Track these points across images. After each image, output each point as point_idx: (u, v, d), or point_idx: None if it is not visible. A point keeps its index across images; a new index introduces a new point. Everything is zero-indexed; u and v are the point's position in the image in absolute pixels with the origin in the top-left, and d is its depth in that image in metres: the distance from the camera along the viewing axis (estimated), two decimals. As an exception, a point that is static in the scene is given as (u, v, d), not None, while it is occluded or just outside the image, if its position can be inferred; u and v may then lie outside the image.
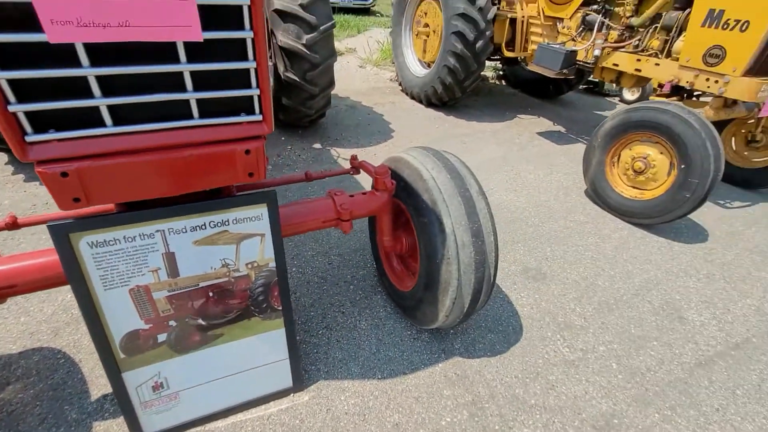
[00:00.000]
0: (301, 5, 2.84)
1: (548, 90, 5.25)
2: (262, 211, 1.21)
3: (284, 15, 2.86)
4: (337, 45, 6.63)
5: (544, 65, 3.70)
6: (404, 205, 1.58)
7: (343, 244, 2.37)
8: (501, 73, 5.97)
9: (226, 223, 1.17)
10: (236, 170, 1.09)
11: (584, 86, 5.77)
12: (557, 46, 3.57)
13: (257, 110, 1.05)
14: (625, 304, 2.15)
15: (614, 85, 3.56)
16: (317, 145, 3.57)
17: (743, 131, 3.38)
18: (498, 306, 2.05)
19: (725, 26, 2.58)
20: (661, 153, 2.61)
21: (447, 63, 4.06)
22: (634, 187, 2.83)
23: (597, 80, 5.49)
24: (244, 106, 1.04)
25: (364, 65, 5.91)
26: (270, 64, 3.84)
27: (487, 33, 3.89)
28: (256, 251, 1.25)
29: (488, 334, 1.88)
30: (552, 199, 3.07)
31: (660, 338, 1.97)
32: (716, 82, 2.69)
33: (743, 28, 2.50)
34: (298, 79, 3.06)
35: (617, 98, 5.67)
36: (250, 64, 0.97)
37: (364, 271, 2.18)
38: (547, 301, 2.12)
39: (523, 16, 4.08)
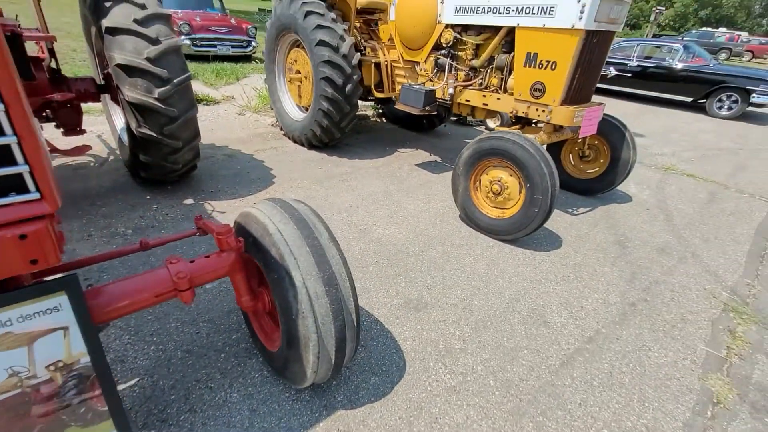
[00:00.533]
0: (148, 59, 2.67)
1: (423, 124, 5.69)
2: (60, 300, 1.02)
3: (129, 70, 2.66)
4: (214, 93, 6.43)
5: (408, 104, 4.00)
6: (257, 262, 1.50)
7: (215, 307, 2.18)
8: (380, 111, 6.32)
9: (8, 323, 0.97)
10: (10, 259, 0.91)
11: (454, 118, 6.37)
12: (418, 86, 3.90)
13: (32, 188, 0.91)
14: (499, 319, 2.30)
15: (471, 117, 3.98)
16: (189, 201, 3.31)
17: (576, 149, 4.01)
18: (381, 345, 2.03)
19: (540, 66, 3.07)
20: (511, 175, 2.94)
21: (321, 107, 4.16)
22: (496, 208, 3.12)
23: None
24: (14, 184, 0.90)
25: (244, 112, 5.79)
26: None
27: (355, 77, 4.10)
28: (60, 348, 1.05)
29: (372, 377, 1.84)
30: (431, 227, 3.24)
31: (529, 345, 2.13)
32: (543, 111, 3.15)
33: (553, 67, 3.00)
34: (155, 135, 2.84)
35: (483, 126, 6.37)
36: (9, 139, 0.85)
37: (238, 334, 2.01)
38: (428, 329, 2.17)
39: (386, 61, 4.41)
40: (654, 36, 35.89)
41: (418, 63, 4.14)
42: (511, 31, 3.22)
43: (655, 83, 9.30)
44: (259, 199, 3.41)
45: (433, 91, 3.85)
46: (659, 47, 9.47)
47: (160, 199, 3.30)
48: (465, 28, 3.62)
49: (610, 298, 2.58)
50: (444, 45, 3.79)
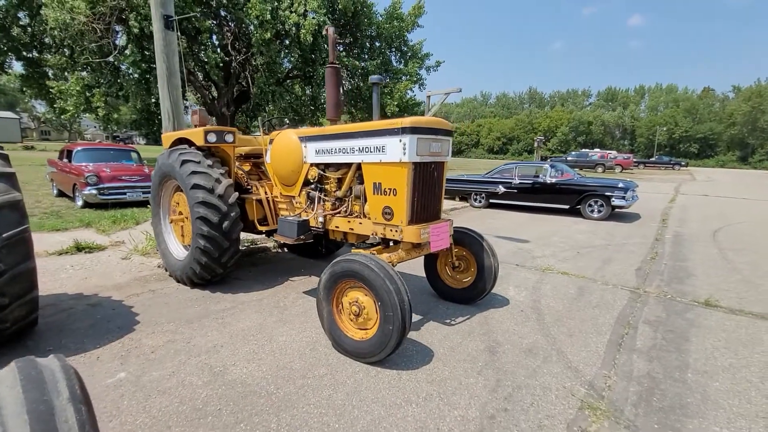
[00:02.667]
0: (-27, 214, 2.59)
1: (319, 251, 5.84)
2: None
3: (-53, 227, 2.53)
4: (102, 240, 6.23)
5: (284, 235, 4.15)
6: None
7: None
8: (280, 242, 6.44)
9: None
10: None
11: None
12: (292, 218, 4.11)
13: None
14: (341, 460, 2.06)
15: (345, 241, 4.19)
16: (14, 365, 2.88)
17: (448, 261, 4.28)
18: None
19: (385, 193, 3.44)
20: (366, 295, 3.00)
21: (198, 245, 4.16)
22: (360, 329, 3.08)
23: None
24: None
25: (130, 256, 5.59)
26: None
27: (232, 214, 4.25)
28: None
29: None
30: (297, 359, 3.06)
31: (368, 489, 1.88)
32: (395, 231, 3.42)
33: (394, 193, 3.37)
34: (-28, 293, 2.59)
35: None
36: None
37: None
38: (252, 489, 1.86)
39: (267, 196, 4.69)
40: (542, 158, 42.99)
41: (294, 197, 4.45)
42: (360, 166, 3.66)
43: (537, 195, 10.74)
44: (105, 353, 3.08)
45: (305, 222, 4.07)
46: (533, 167, 11.22)
47: (-23, 367, 2.83)
48: (327, 166, 4.05)
49: (470, 413, 2.47)
50: (311, 180, 4.17)
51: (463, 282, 4.28)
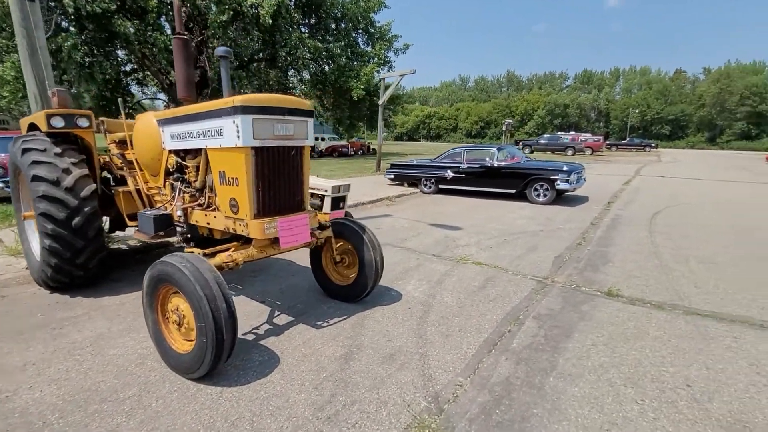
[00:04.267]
0: None
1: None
2: None
3: None
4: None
5: (143, 231, 3.70)
6: None
7: None
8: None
9: None
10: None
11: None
12: (150, 212, 3.65)
13: None
14: None
15: (184, 243, 3.72)
16: None
17: (330, 255, 3.91)
18: None
19: (229, 183, 3.01)
20: (186, 302, 2.59)
21: (44, 245, 3.68)
22: (186, 340, 2.69)
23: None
24: None
25: None
26: None
27: (85, 209, 3.76)
28: None
29: None
30: (113, 377, 2.66)
31: None
32: (243, 226, 3.01)
33: (237, 183, 2.95)
34: None
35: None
36: None
37: None
38: None
39: (137, 188, 4.20)
40: (516, 142, 42.95)
41: (160, 188, 3.98)
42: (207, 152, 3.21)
43: (484, 180, 10.45)
44: None
45: (165, 216, 3.61)
46: (481, 151, 10.90)
47: None
48: (186, 152, 3.58)
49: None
50: (171, 169, 3.70)
51: (349, 278, 3.93)
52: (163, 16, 20.69)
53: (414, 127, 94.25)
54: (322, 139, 28.93)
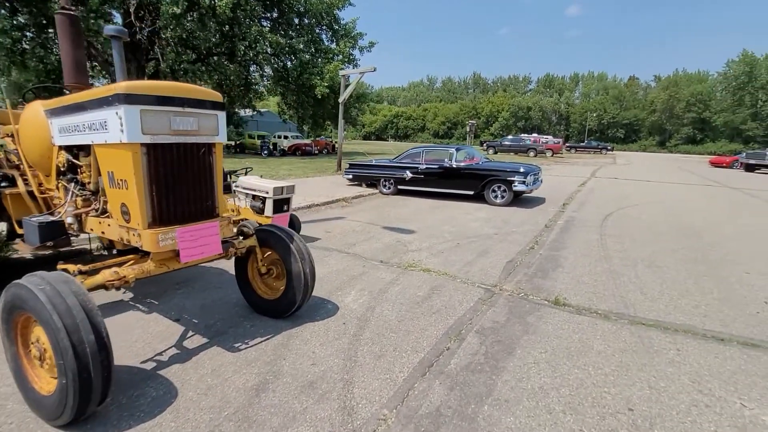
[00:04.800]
0: None
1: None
2: None
3: None
4: None
5: (28, 241, 3.14)
6: None
7: None
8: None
9: None
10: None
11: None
12: (37, 218, 3.09)
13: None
14: None
15: (105, 251, 3.25)
16: None
17: (255, 267, 3.49)
18: None
19: (119, 186, 2.54)
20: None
21: None
22: (53, 378, 2.21)
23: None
24: None
25: None
26: None
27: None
28: None
29: None
30: (-46, 426, 2.14)
31: None
32: (137, 236, 2.55)
33: (126, 186, 2.49)
34: None
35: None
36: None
37: None
38: None
39: (29, 190, 3.61)
40: (482, 143, 43.65)
41: (53, 190, 3.42)
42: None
43: (443, 181, 10.28)
44: None
45: (54, 223, 3.06)
46: (440, 151, 10.73)
47: None
48: (79, 149, 3.06)
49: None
50: (62, 168, 3.16)
51: (279, 291, 3.52)
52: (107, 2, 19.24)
53: (382, 126, 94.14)
54: (285, 138, 28.05)
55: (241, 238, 3.29)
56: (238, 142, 29.39)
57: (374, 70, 13.85)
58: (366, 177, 11.67)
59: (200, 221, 2.75)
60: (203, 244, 2.70)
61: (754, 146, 48.01)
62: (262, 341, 3.12)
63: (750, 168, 24.70)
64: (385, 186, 11.19)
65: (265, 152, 25.67)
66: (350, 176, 12.00)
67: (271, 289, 3.59)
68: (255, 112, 38.25)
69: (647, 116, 70.75)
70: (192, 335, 3.20)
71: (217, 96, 2.75)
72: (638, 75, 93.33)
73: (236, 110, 39.38)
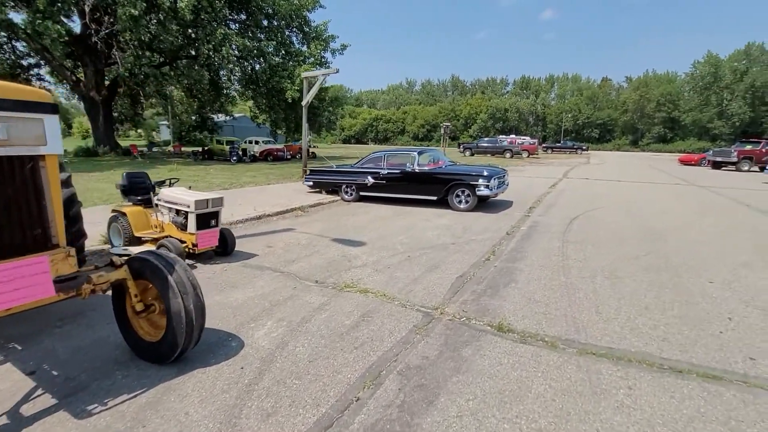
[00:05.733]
0: None
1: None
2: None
3: None
4: None
5: None
6: None
7: None
8: None
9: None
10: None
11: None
12: None
13: None
14: None
15: None
16: None
17: (131, 303, 2.88)
18: None
19: None
20: None
21: None
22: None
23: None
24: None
25: None
26: None
27: None
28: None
29: None
30: None
31: None
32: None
33: None
34: None
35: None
36: None
37: None
38: None
39: None
40: (459, 144, 43.65)
41: None
42: None
43: (405, 186, 9.79)
44: None
45: None
46: (402, 155, 10.24)
47: None
48: None
49: None
50: None
51: (163, 330, 2.92)
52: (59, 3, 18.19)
53: (362, 129, 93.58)
54: (256, 143, 27.15)
55: (103, 271, 2.69)
56: (206, 148, 28.31)
57: (337, 72, 13.29)
58: (327, 184, 11.08)
59: (24, 257, 2.14)
60: (23, 287, 2.09)
61: (720, 144, 49.54)
62: (127, 399, 2.51)
63: (716, 165, 25.16)
64: (346, 192, 10.63)
65: (234, 158, 24.69)
66: (311, 183, 11.40)
67: (156, 328, 2.98)
68: (229, 117, 37.23)
69: (620, 116, 72.36)
70: (40, 395, 2.56)
71: (39, 95, 2.14)
72: (611, 76, 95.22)
73: (209, 115, 38.28)
